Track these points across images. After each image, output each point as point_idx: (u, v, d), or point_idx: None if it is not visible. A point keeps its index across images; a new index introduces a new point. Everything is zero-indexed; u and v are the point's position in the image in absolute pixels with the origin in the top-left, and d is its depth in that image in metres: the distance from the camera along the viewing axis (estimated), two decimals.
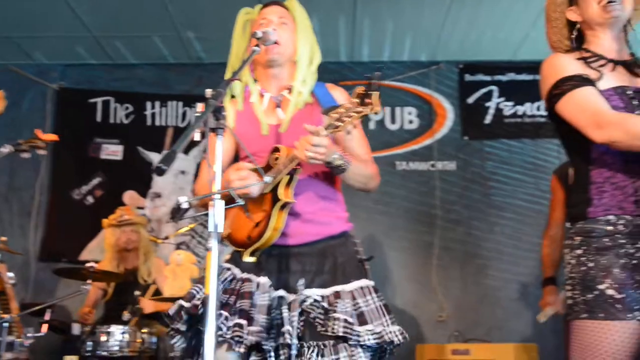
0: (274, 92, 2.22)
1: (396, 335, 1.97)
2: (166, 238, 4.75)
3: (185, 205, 1.44)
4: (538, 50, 2.19)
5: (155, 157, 5.38)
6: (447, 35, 5.06)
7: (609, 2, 1.89)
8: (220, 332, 1.88)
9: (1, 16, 4.76)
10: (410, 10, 4.69)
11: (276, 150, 2.03)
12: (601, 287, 1.77)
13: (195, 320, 1.98)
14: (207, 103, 1.52)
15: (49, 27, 4.96)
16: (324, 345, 1.89)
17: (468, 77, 5.48)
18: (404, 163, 5.34)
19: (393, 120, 5.44)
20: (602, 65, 1.93)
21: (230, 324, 1.90)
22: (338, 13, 4.75)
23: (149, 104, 5.54)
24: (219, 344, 1.86)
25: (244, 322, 1.90)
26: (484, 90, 5.45)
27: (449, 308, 5.00)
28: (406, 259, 5.14)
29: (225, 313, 1.92)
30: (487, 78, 5.47)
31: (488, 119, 5.42)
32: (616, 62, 1.95)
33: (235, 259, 2.11)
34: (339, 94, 2.21)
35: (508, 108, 5.43)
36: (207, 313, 1.49)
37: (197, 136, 1.51)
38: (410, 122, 5.44)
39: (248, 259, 2.05)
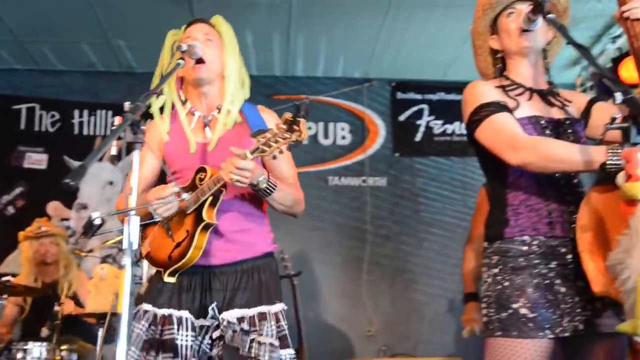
0: (203, 111, 2.20)
1: None
2: (90, 251, 4.60)
3: (97, 222, 1.40)
4: (467, 71, 2.26)
5: None
6: (380, 53, 5.15)
7: (523, 31, 1.97)
8: None
9: None
10: (343, 28, 4.75)
11: (202, 170, 2.02)
12: (515, 306, 1.82)
13: None
14: (124, 116, 1.48)
15: None
16: None
17: (400, 95, 5.59)
18: (336, 178, 5.38)
19: (326, 136, 5.48)
20: (519, 94, 2.00)
21: None
22: (272, 28, 4.76)
23: (76, 112, 5.38)
24: None
25: None
26: (414, 108, 5.58)
27: (377, 323, 5.05)
28: (337, 274, 5.17)
29: None
30: (418, 97, 5.60)
31: (418, 137, 5.54)
32: (533, 91, 2.02)
33: (153, 294, 2.06)
34: (269, 117, 2.20)
35: (438, 126, 5.57)
36: (119, 332, 1.45)
37: (113, 150, 1.47)
38: (343, 137, 5.50)
39: (168, 279, 2.02)
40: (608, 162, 1.62)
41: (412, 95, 5.59)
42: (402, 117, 5.56)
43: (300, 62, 5.32)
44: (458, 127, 5.53)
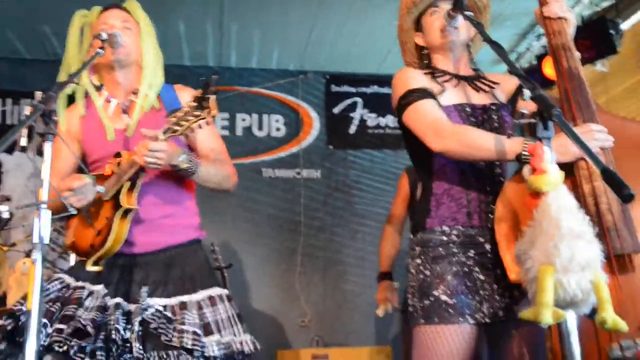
0: (121, 97, 2.16)
1: (247, 344, 1.96)
2: (13, 245, 4.42)
3: (5, 215, 1.36)
4: (400, 64, 2.30)
5: (4, 159, 5.01)
6: (314, 46, 5.15)
7: (446, 27, 2.02)
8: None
9: None
10: (277, 20, 4.73)
11: (118, 155, 1.98)
12: (436, 293, 1.88)
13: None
14: (35, 106, 1.43)
15: None
16: (167, 356, 1.85)
17: (334, 88, 5.62)
18: (270, 170, 5.37)
19: (260, 127, 5.46)
20: (446, 80, 2.05)
21: (50, 330, 1.80)
22: (205, 18, 4.68)
23: None
24: (42, 354, 1.75)
25: (64, 327, 1.80)
26: (348, 101, 5.62)
27: (310, 313, 5.08)
28: (270, 266, 5.16)
29: (44, 320, 1.80)
30: (352, 90, 5.64)
31: (352, 129, 5.58)
32: (459, 78, 2.08)
33: (75, 270, 2.02)
34: (185, 94, 2.18)
35: (371, 119, 5.63)
36: (28, 328, 1.40)
37: (23, 141, 1.42)
38: (278, 129, 5.49)
39: (91, 267, 1.98)
40: (523, 153, 1.70)
41: (346, 88, 5.62)
42: (336, 110, 5.59)
43: (234, 53, 5.26)
44: (391, 121, 5.59)
